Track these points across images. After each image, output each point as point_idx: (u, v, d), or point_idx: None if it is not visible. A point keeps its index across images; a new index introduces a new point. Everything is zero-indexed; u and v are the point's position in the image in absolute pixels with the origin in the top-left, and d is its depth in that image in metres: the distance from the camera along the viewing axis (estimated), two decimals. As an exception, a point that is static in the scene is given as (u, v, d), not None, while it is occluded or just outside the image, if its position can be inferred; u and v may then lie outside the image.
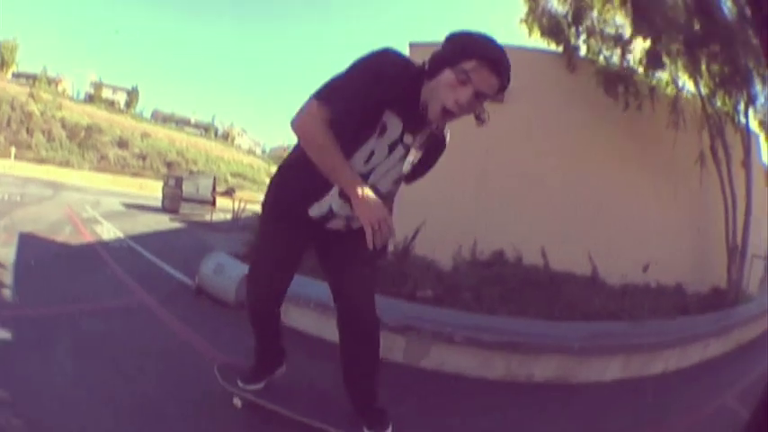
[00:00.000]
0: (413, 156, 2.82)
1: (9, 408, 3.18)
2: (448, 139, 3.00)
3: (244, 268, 5.85)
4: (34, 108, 44.18)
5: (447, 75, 2.52)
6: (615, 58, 9.19)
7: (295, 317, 5.51)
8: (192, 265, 7.64)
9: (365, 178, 2.73)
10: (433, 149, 2.95)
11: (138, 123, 51.54)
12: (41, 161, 38.95)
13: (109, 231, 12.92)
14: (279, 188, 3.21)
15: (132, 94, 56.68)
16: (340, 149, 2.55)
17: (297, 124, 2.59)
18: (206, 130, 60.20)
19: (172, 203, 20.08)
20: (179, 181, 20.69)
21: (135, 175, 42.11)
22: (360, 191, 2.52)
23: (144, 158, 45.70)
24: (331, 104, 2.52)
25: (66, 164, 40.55)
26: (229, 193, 28.07)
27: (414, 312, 5.61)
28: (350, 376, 3.31)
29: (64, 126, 44.61)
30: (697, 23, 8.70)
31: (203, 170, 30.41)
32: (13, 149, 38.71)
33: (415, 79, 2.64)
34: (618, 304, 6.86)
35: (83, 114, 48.12)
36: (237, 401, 3.65)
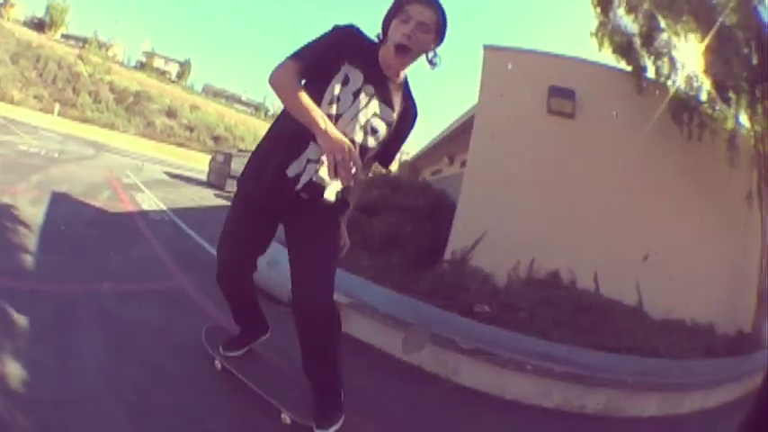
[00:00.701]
0: (379, 106, 3.03)
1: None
2: (417, 114, 3.27)
3: None
4: (82, 69, 44.84)
5: (393, 23, 2.93)
6: (683, 85, 8.47)
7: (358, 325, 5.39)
8: None
9: (333, 121, 2.84)
10: (405, 118, 3.19)
11: (188, 95, 52.11)
12: (85, 120, 38.87)
13: (150, 201, 12.07)
14: (261, 157, 3.22)
15: (185, 66, 57.38)
16: (308, 96, 2.75)
17: (272, 77, 2.85)
18: (257, 108, 60.81)
19: (218, 179, 19.74)
20: (228, 157, 20.09)
21: (181, 145, 42.00)
22: (323, 124, 2.62)
23: (191, 130, 45.96)
24: (298, 58, 2.88)
25: (110, 126, 40.51)
26: None
27: (472, 330, 5.49)
28: (304, 362, 3.35)
29: (112, 90, 45.21)
30: (755, 58, 8.24)
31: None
32: (57, 105, 38.83)
33: (372, 45, 3.06)
34: (658, 340, 6.72)
35: (132, 80, 48.91)
36: (218, 364, 3.86)
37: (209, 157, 23.80)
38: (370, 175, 3.75)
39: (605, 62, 8.51)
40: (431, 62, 3.07)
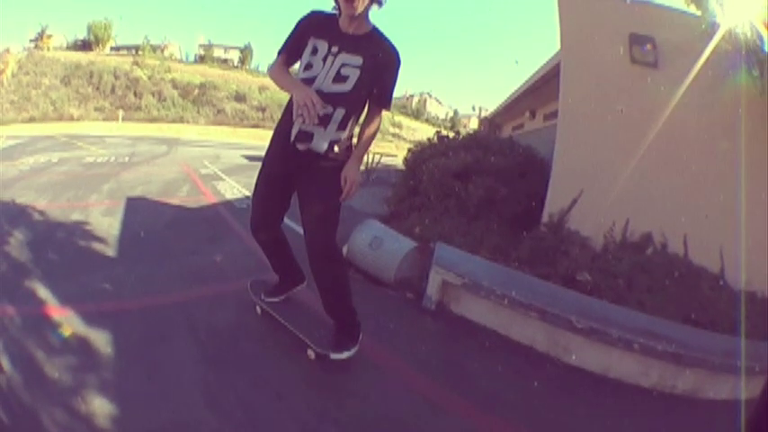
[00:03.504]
0: (345, 57, 3.55)
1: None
2: (395, 52, 3.68)
3: (406, 242, 6.17)
4: (140, 73, 45.46)
5: None
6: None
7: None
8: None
9: (311, 82, 3.53)
10: (379, 59, 3.59)
11: (254, 78, 52.40)
12: (153, 120, 39.23)
13: (232, 189, 11.56)
14: (276, 129, 3.88)
15: (246, 52, 57.82)
16: (293, 78, 3.69)
17: (268, 71, 4.03)
18: None
19: None
20: None
21: (255, 126, 42.15)
22: (295, 86, 3.51)
23: (263, 110, 46.33)
24: (281, 51, 3.81)
25: (180, 120, 40.79)
26: None
27: (580, 304, 5.31)
28: (322, 300, 3.97)
29: (175, 86, 45.70)
30: None
31: None
32: (120, 112, 39.37)
33: (332, 17, 3.66)
34: (735, 316, 6.07)
35: (194, 74, 49.52)
36: (258, 309, 4.53)
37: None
38: (374, 125, 3.88)
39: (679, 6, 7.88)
40: (378, 2, 3.54)
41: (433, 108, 61.09)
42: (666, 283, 6.49)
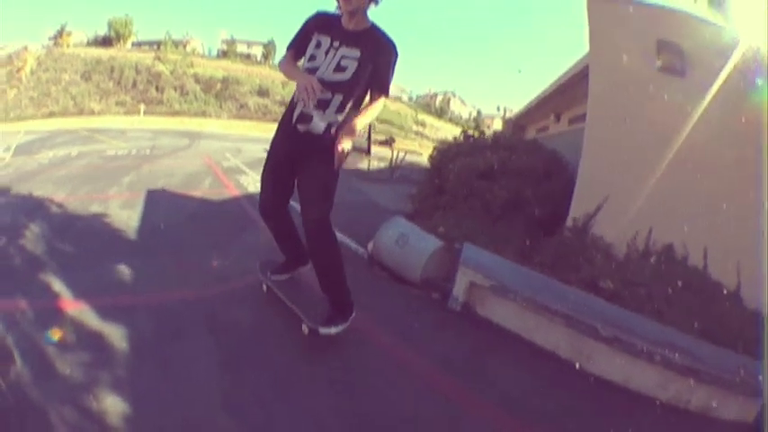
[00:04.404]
0: (344, 51, 3.91)
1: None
2: (391, 45, 4.01)
3: (432, 241, 6.11)
4: (162, 68, 45.70)
5: None
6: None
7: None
8: (358, 226, 7.50)
9: (314, 72, 3.91)
10: (376, 51, 3.94)
11: (277, 73, 52.09)
12: (175, 114, 39.29)
13: (255, 182, 11.29)
14: (281, 119, 4.32)
15: (269, 47, 58.22)
16: (298, 68, 4.08)
17: (278, 65, 4.45)
18: None
19: None
20: None
21: (276, 121, 42.15)
22: (301, 75, 3.87)
23: (286, 105, 46.00)
24: (289, 47, 4.26)
25: (202, 114, 40.89)
26: (389, 142, 27.53)
27: (605, 312, 5.28)
28: (318, 277, 4.23)
29: (197, 81, 45.84)
30: None
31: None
32: (142, 106, 39.50)
33: (335, 17, 4.07)
34: (752, 333, 5.86)
35: (217, 69, 49.75)
36: (264, 287, 4.90)
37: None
38: (373, 109, 4.12)
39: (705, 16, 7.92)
40: (375, 1, 3.93)
41: (456, 107, 61.26)
42: (685, 296, 6.43)
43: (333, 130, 3.95)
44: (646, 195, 7.53)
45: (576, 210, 7.96)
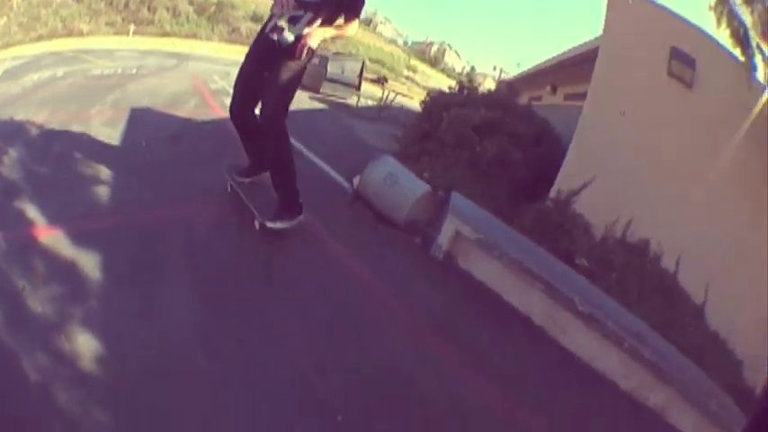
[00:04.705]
0: None
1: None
2: None
3: (420, 184, 6.23)
4: None
5: None
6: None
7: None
8: (342, 160, 7.58)
9: None
10: None
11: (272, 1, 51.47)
12: (165, 35, 38.55)
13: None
14: (260, 28, 4.80)
15: None
16: None
17: None
18: None
19: (313, 81, 18.13)
20: (324, 60, 18.82)
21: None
22: None
23: None
24: None
25: (193, 36, 40.25)
26: (381, 81, 27.02)
27: (584, 289, 5.53)
28: (270, 173, 4.84)
29: (191, 2, 44.54)
30: None
31: (351, 53, 28.02)
32: (131, 27, 38.42)
33: None
34: (713, 347, 6.67)
35: None
36: (228, 187, 5.20)
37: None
38: (345, 27, 4.62)
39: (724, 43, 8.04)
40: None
41: (451, 60, 61.01)
42: (655, 296, 6.81)
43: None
44: (632, 187, 7.88)
45: (562, 183, 8.23)
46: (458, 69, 60.04)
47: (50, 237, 3.76)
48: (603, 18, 8.74)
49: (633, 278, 6.89)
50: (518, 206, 7.79)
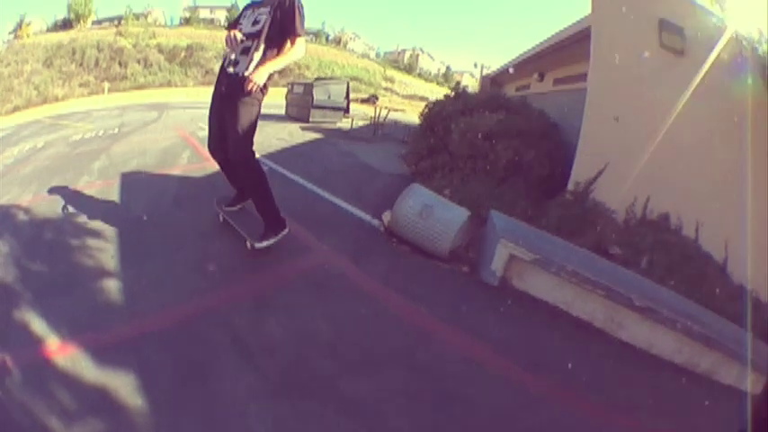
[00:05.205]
0: (259, 10, 4.96)
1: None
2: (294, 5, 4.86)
3: (458, 211, 5.95)
4: (124, 42, 44.44)
5: None
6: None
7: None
8: (361, 194, 7.39)
9: (240, 29, 4.98)
10: (279, 3, 4.85)
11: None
12: (140, 87, 38.44)
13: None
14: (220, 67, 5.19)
15: (232, 11, 56.93)
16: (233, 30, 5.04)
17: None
18: (316, 36, 60.93)
19: (300, 111, 18.30)
20: (309, 87, 18.53)
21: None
22: (228, 33, 4.98)
23: None
24: (228, 26, 5.50)
25: (167, 84, 40.14)
26: (372, 100, 27.36)
27: (634, 283, 5.47)
28: (252, 200, 5.32)
29: (161, 51, 44.79)
30: None
31: (332, 76, 28.02)
32: (106, 84, 38.46)
33: None
34: (736, 308, 6.21)
35: (180, 37, 48.64)
36: (221, 217, 5.73)
37: (284, 90, 21.51)
38: (289, 51, 4.88)
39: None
40: None
41: (425, 63, 61.14)
42: (684, 266, 6.64)
43: (253, 66, 4.75)
44: (644, 165, 7.72)
45: (578, 174, 8.10)
46: (433, 71, 60.23)
47: (67, 357, 3.17)
48: (590, 4, 8.70)
49: (661, 254, 6.75)
50: (540, 206, 7.61)
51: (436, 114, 10.80)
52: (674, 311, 4.84)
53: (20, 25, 49.41)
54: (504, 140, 8.47)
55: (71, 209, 6.09)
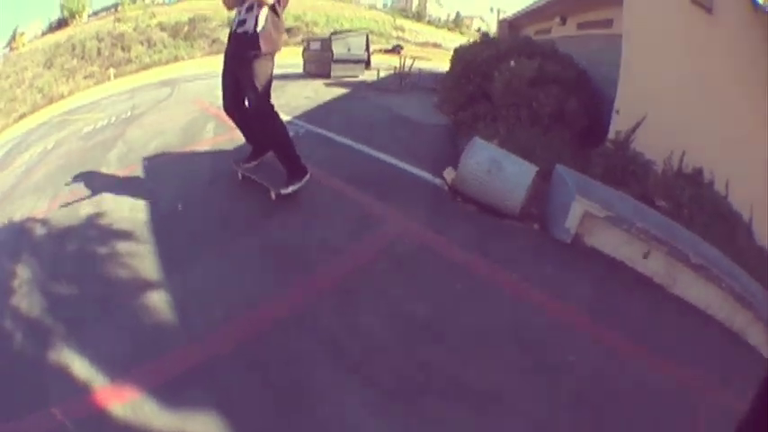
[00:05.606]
0: None
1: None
2: None
3: (526, 166, 5.78)
4: (124, 27, 44.16)
5: None
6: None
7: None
8: (410, 150, 7.12)
9: None
10: None
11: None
12: (146, 68, 38.14)
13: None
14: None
15: None
16: None
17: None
18: None
19: (320, 67, 17.59)
20: (327, 42, 17.88)
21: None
22: None
23: None
24: None
25: (174, 60, 39.88)
26: (396, 50, 27.09)
27: (683, 236, 5.54)
28: (272, 150, 5.52)
29: (163, 29, 44.47)
30: None
31: (351, 29, 27.79)
32: (111, 71, 38.23)
33: None
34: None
35: (181, 12, 48.16)
36: (239, 174, 5.80)
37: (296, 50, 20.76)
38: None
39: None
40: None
41: (433, 10, 61.22)
42: (715, 222, 6.64)
43: (260, 21, 4.87)
44: (679, 117, 7.63)
45: (619, 123, 8.00)
46: (443, 18, 60.21)
47: (126, 404, 2.64)
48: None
49: (697, 208, 6.75)
50: (583, 155, 7.48)
51: (470, 61, 10.32)
52: (719, 268, 4.98)
53: (13, 38, 49.44)
54: (545, 88, 8.26)
55: (93, 210, 5.45)
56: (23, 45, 48.04)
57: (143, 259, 4.18)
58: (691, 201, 6.74)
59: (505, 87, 8.48)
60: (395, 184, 6.06)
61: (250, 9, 4.89)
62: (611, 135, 7.89)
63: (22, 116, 35.99)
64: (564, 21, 13.76)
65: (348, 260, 4.26)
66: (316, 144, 7.24)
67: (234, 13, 5.21)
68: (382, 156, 6.74)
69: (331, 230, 4.69)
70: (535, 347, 3.51)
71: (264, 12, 4.87)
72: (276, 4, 4.97)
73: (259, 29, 4.85)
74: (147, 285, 3.80)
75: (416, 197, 5.75)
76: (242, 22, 4.92)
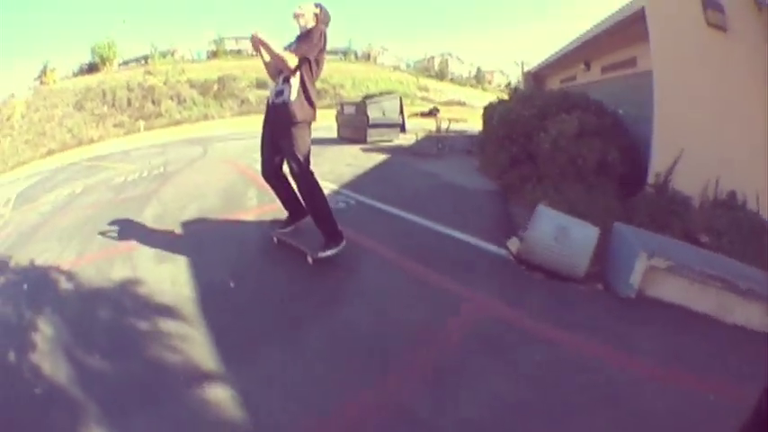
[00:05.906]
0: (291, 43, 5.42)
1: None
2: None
3: (590, 228, 5.73)
4: (154, 81, 45.38)
5: None
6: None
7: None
8: (465, 218, 7.03)
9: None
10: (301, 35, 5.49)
11: None
12: (177, 123, 38.44)
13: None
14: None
15: None
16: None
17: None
18: (344, 54, 62.07)
19: (356, 132, 17.92)
20: (362, 107, 17.79)
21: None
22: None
23: None
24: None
25: (204, 117, 40.07)
26: (433, 113, 27.26)
27: (731, 266, 5.49)
28: (310, 214, 5.62)
29: (192, 86, 45.41)
30: None
31: (385, 91, 26.77)
32: (141, 123, 38.73)
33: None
34: None
35: (210, 70, 49.16)
36: (275, 239, 6.07)
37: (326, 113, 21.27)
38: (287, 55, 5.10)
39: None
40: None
41: (455, 67, 61.42)
42: (751, 241, 6.60)
43: (294, 92, 5.18)
44: (715, 146, 7.67)
45: (657, 165, 8.01)
46: (465, 74, 60.40)
47: None
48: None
49: (737, 233, 6.72)
50: (627, 205, 7.49)
51: (512, 122, 10.31)
52: (762, 286, 4.99)
53: (44, 72, 50.67)
54: (588, 142, 8.32)
55: (127, 274, 5.16)
56: (54, 82, 49.20)
57: (193, 342, 3.83)
58: (729, 226, 6.77)
59: (553, 146, 8.48)
60: (462, 259, 5.76)
61: (286, 80, 5.21)
62: (650, 179, 7.90)
63: (50, 152, 36.51)
64: (588, 66, 14.08)
65: (434, 345, 3.83)
66: (368, 216, 7.05)
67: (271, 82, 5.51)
68: (441, 227, 6.54)
69: (413, 315, 4.28)
70: (636, 416, 3.24)
71: (297, 82, 5.20)
72: (309, 75, 5.26)
73: (293, 98, 5.17)
74: (201, 375, 3.42)
75: (487, 271, 5.49)
76: (279, 93, 5.25)
